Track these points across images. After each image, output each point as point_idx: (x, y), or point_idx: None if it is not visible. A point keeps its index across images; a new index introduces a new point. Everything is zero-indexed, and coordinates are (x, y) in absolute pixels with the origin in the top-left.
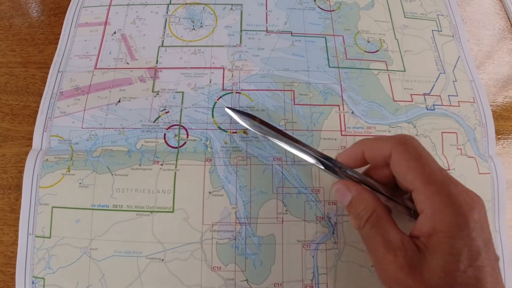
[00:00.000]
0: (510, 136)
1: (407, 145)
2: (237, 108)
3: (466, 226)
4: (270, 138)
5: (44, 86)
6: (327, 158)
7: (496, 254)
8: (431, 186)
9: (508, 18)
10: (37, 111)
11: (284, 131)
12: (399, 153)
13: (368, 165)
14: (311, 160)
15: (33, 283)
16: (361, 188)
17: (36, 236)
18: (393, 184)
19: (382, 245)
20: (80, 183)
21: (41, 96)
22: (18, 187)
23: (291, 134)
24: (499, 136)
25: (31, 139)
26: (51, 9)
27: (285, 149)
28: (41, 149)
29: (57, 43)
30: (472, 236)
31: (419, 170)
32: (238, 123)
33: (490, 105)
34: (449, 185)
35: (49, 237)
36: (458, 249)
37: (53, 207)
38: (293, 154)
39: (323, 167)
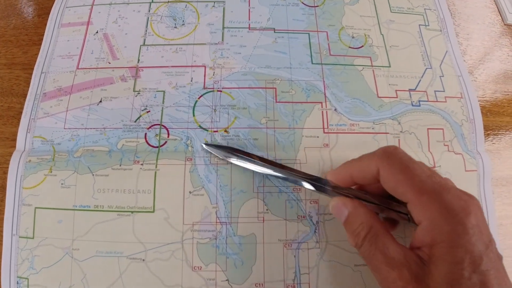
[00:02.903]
0: (499, 132)
1: (391, 158)
2: (216, 143)
3: (465, 233)
4: (253, 167)
5: (28, 87)
6: (317, 179)
7: (499, 253)
8: (423, 197)
9: (499, 11)
10: (21, 112)
11: (266, 158)
12: (385, 169)
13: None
14: (303, 183)
15: (17, 283)
16: (357, 204)
17: (20, 237)
18: (388, 194)
19: (384, 262)
20: (62, 184)
21: (25, 97)
22: (3, 188)
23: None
24: (489, 132)
25: (15, 140)
26: (35, 10)
27: (275, 175)
28: (24, 150)
29: (41, 44)
30: (472, 242)
31: (409, 182)
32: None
33: (479, 100)
34: (441, 192)
35: (32, 238)
36: (460, 257)
37: (36, 207)
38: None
39: (314, 189)
